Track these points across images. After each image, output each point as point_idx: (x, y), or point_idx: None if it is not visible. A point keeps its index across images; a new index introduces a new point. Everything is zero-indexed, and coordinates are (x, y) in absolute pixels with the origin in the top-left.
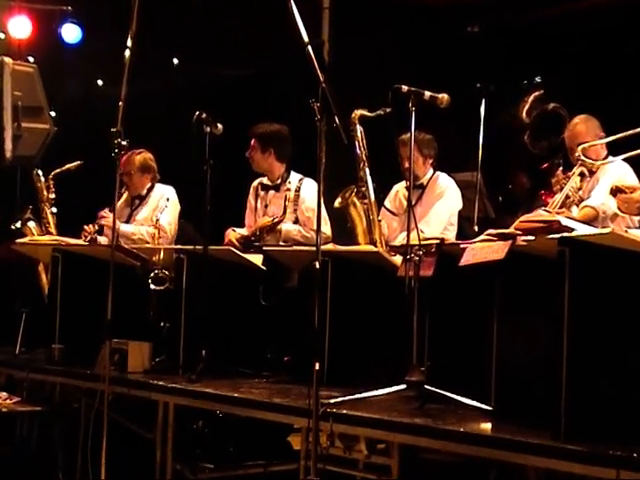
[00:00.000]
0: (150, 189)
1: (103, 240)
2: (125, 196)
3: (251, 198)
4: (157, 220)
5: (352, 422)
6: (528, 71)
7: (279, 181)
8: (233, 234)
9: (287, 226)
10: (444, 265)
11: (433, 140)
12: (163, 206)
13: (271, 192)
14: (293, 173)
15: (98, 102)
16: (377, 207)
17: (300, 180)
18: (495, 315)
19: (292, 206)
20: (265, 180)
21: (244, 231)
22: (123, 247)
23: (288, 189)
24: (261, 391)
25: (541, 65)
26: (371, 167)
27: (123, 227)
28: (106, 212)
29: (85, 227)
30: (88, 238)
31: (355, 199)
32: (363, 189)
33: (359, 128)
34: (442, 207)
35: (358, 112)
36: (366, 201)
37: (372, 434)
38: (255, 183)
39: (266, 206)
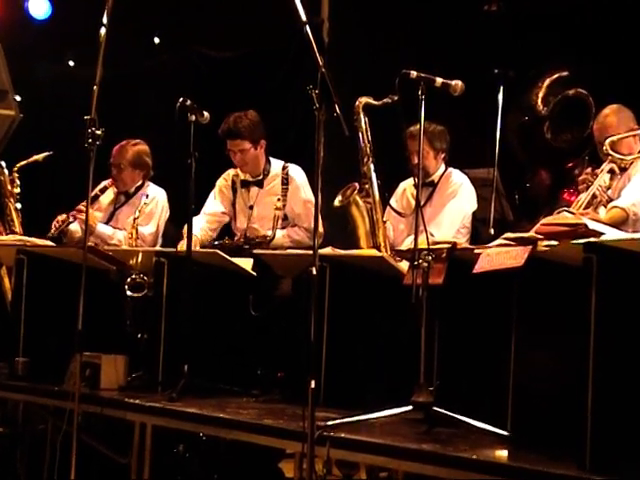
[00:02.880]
0: (140, 187)
1: (74, 228)
2: (111, 192)
3: (225, 190)
4: (135, 219)
5: (351, 447)
6: (552, 55)
7: (261, 176)
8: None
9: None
10: (456, 272)
11: (445, 132)
12: (142, 203)
13: (254, 189)
14: (274, 161)
15: (69, 86)
16: (382, 207)
17: (284, 169)
18: (513, 329)
19: (281, 202)
20: (243, 175)
21: (201, 220)
22: (96, 249)
23: (277, 208)
24: (250, 411)
25: (568, 47)
26: (376, 162)
27: (101, 227)
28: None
29: (58, 217)
30: (58, 229)
31: (357, 197)
32: (367, 186)
33: (363, 118)
34: (455, 207)
35: (363, 100)
36: (370, 200)
37: (374, 461)
38: (232, 173)
39: (251, 207)
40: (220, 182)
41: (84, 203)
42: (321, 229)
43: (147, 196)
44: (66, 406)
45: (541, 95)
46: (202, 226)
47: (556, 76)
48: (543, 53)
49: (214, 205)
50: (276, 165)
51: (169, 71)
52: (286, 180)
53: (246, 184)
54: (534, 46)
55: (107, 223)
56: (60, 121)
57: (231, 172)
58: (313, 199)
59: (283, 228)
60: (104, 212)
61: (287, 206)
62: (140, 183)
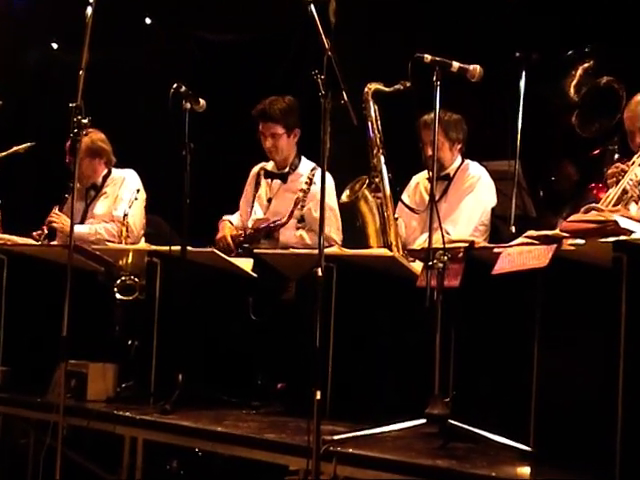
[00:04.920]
0: (106, 176)
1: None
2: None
3: (249, 187)
4: (125, 215)
5: (360, 464)
6: (579, 37)
7: (287, 169)
8: (230, 229)
9: (285, 233)
10: (474, 273)
11: (462, 121)
12: (133, 198)
13: (276, 182)
14: (304, 160)
15: (53, 71)
16: (393, 202)
17: (312, 170)
18: (536, 335)
19: (300, 202)
20: (270, 166)
21: (235, 218)
22: (83, 248)
23: (302, 190)
24: (250, 425)
25: (595, 29)
26: (387, 153)
27: (76, 228)
28: (57, 212)
29: (33, 234)
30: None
31: (367, 192)
32: (377, 180)
33: (373, 106)
34: (472, 203)
35: (372, 86)
36: (380, 195)
37: (384, 478)
38: (256, 169)
39: (269, 200)
40: (251, 173)
41: (54, 211)
42: (339, 239)
43: (138, 190)
44: (50, 419)
45: (574, 83)
46: (236, 225)
47: (588, 64)
48: (570, 34)
49: (243, 205)
50: (306, 165)
51: (162, 56)
52: (310, 181)
53: (270, 175)
54: (560, 26)
55: (82, 223)
56: (44, 109)
57: (256, 168)
58: (336, 207)
59: (297, 230)
60: (76, 213)
61: (305, 208)
62: (106, 172)
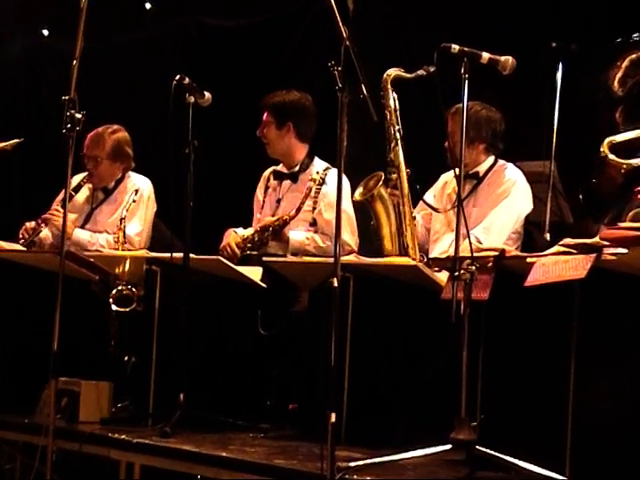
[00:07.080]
0: (120, 180)
1: (44, 235)
2: (86, 189)
3: (259, 191)
4: (122, 219)
5: None
6: (623, 25)
7: (297, 168)
8: (234, 237)
9: (295, 234)
10: (504, 285)
11: (493, 120)
12: (130, 200)
13: (286, 182)
14: (317, 160)
15: (44, 60)
16: (411, 201)
17: (325, 170)
18: (572, 353)
19: (311, 203)
20: (279, 167)
21: (250, 232)
22: (76, 254)
23: (312, 179)
24: (257, 449)
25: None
26: (407, 147)
27: (77, 232)
28: (58, 208)
29: (26, 224)
30: (28, 239)
31: (382, 190)
32: (394, 176)
33: (392, 94)
34: (507, 210)
35: (392, 72)
36: (397, 193)
37: None
38: (267, 173)
39: (278, 201)
40: (262, 177)
41: (55, 206)
42: (354, 243)
43: (136, 192)
44: (38, 442)
45: (619, 75)
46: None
47: (636, 56)
48: (612, 23)
49: (255, 213)
50: (319, 165)
51: (162, 44)
52: (323, 181)
53: (279, 176)
54: (600, 15)
55: (84, 226)
56: (32, 102)
57: (267, 172)
58: (349, 209)
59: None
60: (79, 213)
61: (317, 209)
62: (120, 176)
